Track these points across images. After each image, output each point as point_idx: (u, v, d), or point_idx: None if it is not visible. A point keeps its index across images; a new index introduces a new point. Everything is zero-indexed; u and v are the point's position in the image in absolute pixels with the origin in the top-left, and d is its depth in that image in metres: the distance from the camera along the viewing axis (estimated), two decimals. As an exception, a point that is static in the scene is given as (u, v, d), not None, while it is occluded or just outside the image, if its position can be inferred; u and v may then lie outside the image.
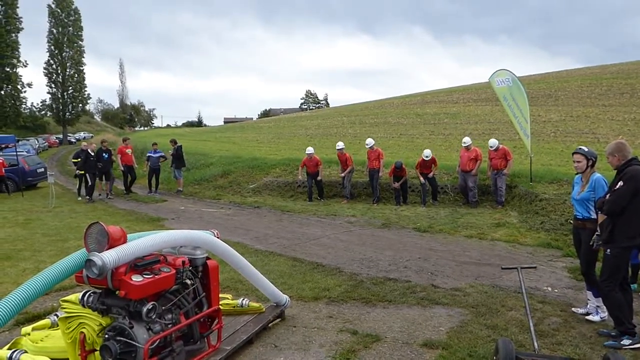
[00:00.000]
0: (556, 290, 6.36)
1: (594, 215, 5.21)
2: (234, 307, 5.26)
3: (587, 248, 5.22)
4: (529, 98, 14.20)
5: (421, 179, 13.17)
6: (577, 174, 5.54)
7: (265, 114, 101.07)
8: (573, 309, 5.59)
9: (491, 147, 12.57)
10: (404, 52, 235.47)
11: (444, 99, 38.71)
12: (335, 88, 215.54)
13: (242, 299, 5.36)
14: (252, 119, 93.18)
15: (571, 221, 9.31)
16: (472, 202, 12.82)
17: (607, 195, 4.83)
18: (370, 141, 14.03)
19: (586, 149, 5.39)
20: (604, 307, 5.27)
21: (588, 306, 5.46)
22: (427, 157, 13.12)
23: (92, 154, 16.33)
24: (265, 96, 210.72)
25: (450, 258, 7.93)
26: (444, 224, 10.65)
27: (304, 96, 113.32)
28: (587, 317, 5.35)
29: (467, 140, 13.17)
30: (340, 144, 14.65)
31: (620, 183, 4.69)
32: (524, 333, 4.84)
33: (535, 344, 4.16)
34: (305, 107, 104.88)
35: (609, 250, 4.80)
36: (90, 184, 16.24)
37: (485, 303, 5.80)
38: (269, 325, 5.13)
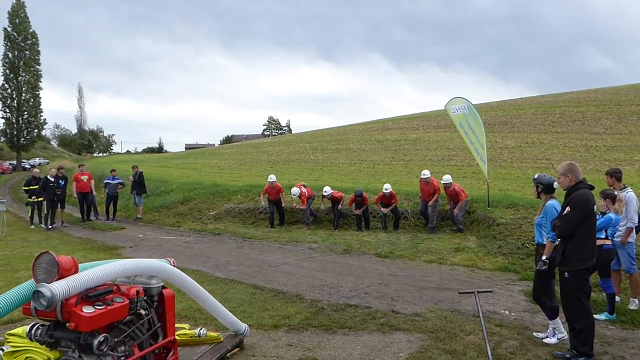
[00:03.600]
0: (513, 314, 6.47)
1: (545, 241, 5.37)
2: (191, 337, 5.13)
3: (536, 272, 5.38)
4: (486, 125, 14.64)
5: (382, 210, 13.33)
6: (537, 198, 5.70)
7: (228, 140, 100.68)
8: (534, 333, 5.68)
9: (444, 182, 12.84)
10: (365, 79, 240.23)
11: (404, 126, 39.45)
12: (298, 114, 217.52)
13: (199, 328, 5.24)
14: (214, 145, 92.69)
15: (527, 245, 9.61)
16: (430, 228, 12.93)
17: (558, 219, 4.98)
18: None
19: (536, 176, 5.58)
20: (560, 329, 5.39)
21: (549, 329, 5.56)
22: (386, 190, 13.19)
23: (52, 179, 15.88)
24: (228, 122, 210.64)
25: (411, 283, 7.99)
26: (405, 249, 10.74)
27: (267, 122, 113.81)
28: (543, 340, 5.44)
29: (426, 173, 13.23)
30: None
31: (568, 208, 4.84)
32: (482, 357, 4.89)
33: (493, 368, 4.21)
34: (268, 133, 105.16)
35: (566, 273, 4.91)
36: (48, 211, 15.75)
37: (445, 328, 5.84)
38: (227, 355, 5.02)
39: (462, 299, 6.97)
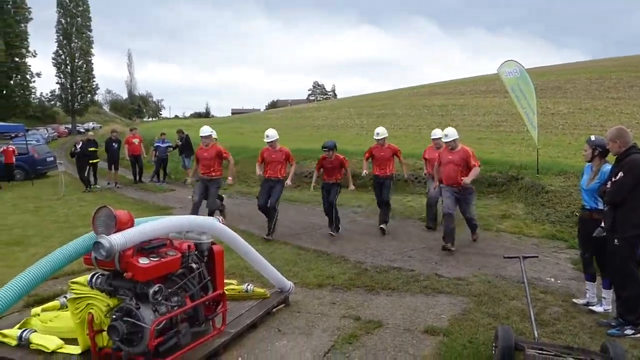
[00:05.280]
0: (559, 281, 6.39)
1: (601, 206, 5.21)
2: (239, 292, 5.34)
3: (592, 239, 5.24)
4: (537, 90, 14.15)
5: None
6: (587, 162, 5.52)
7: (273, 105, 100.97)
8: (574, 299, 5.62)
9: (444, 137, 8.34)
10: (410, 43, 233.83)
11: (451, 91, 38.55)
12: (343, 79, 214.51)
13: (247, 284, 5.45)
14: (259, 110, 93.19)
15: (577, 213, 9.37)
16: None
17: (608, 184, 4.84)
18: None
19: (593, 138, 5.39)
20: (608, 299, 5.30)
21: (587, 296, 5.49)
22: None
23: (78, 147, 16.53)
24: (273, 88, 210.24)
25: (456, 248, 7.96)
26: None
27: (312, 87, 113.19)
28: (590, 307, 5.37)
29: (437, 132, 9.78)
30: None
31: (621, 174, 4.69)
32: (525, 322, 4.89)
33: (535, 332, 4.21)
34: (313, 98, 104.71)
35: (615, 240, 4.80)
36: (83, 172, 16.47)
37: (488, 292, 5.85)
38: (273, 310, 5.22)
39: (507, 265, 6.92)
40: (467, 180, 7.80)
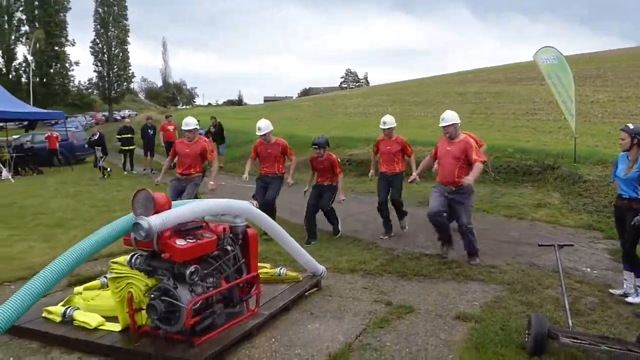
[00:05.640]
0: (595, 272, 6.29)
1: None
2: (272, 275, 5.43)
3: (631, 228, 5.13)
4: (576, 78, 13.77)
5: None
6: (623, 151, 5.40)
7: (305, 92, 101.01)
8: (610, 290, 5.52)
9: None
10: (445, 30, 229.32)
11: (486, 78, 37.85)
12: (375, 67, 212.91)
13: (279, 268, 5.54)
14: (291, 97, 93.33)
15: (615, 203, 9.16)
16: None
17: None
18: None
19: (632, 126, 5.26)
20: None
21: (625, 287, 5.38)
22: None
23: (95, 137, 17.34)
24: (305, 75, 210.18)
25: (488, 236, 7.89)
26: (483, 202, 10.55)
27: (344, 75, 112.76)
28: (626, 299, 5.28)
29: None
30: None
31: None
32: (559, 311, 4.82)
33: (570, 321, 4.17)
34: (345, 86, 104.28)
35: None
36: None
37: (522, 280, 5.79)
38: (306, 294, 5.29)
39: (542, 253, 6.82)
40: (468, 180, 6.13)
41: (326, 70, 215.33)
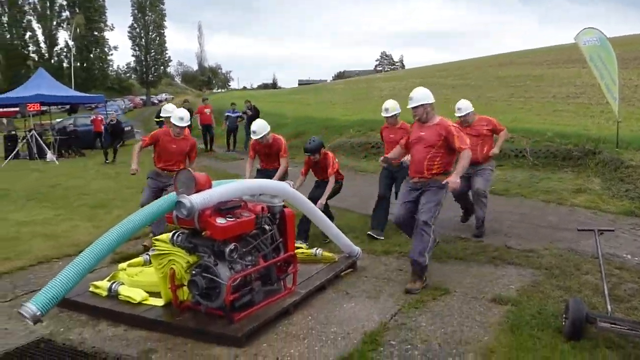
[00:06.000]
0: (636, 258, 6.14)
1: None
2: (309, 255, 5.52)
3: None
4: (620, 60, 13.31)
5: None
6: None
7: (340, 76, 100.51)
8: None
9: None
10: (483, 11, 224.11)
11: (526, 61, 36.91)
12: (411, 50, 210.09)
13: (315, 249, 5.62)
14: (326, 81, 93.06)
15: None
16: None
17: None
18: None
19: None
20: None
21: None
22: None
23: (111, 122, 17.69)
24: (340, 58, 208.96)
25: (526, 221, 7.80)
26: (521, 187, 10.40)
27: (379, 58, 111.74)
28: None
29: (462, 106, 7.16)
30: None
31: None
32: (597, 296, 4.76)
33: (609, 306, 4.11)
34: (380, 69, 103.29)
35: None
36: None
37: (560, 265, 5.72)
38: (341, 274, 5.36)
39: (581, 239, 6.70)
40: (451, 180, 4.83)
41: (361, 53, 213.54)
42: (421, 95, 5.22)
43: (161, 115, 7.12)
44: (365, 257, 5.95)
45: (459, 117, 6.97)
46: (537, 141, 13.24)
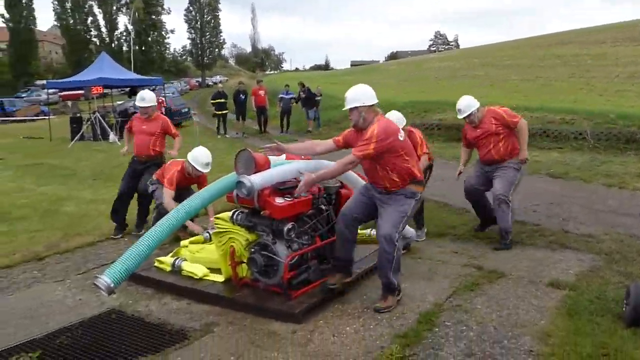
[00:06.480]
0: (701, 244, 5.90)
1: None
2: (363, 236, 5.58)
3: None
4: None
5: None
6: None
7: (392, 56, 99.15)
8: None
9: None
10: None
11: (587, 39, 35.28)
12: (466, 29, 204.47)
13: (370, 229, 5.67)
14: (378, 61, 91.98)
15: None
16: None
17: None
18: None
19: None
20: None
21: None
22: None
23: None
24: (393, 39, 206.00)
25: (585, 205, 7.58)
26: (581, 170, 10.09)
27: (433, 38, 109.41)
28: None
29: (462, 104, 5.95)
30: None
31: None
32: (662, 283, 4.63)
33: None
34: (434, 49, 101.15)
35: None
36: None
37: (620, 251, 5.56)
38: (395, 255, 5.40)
39: (643, 224, 6.49)
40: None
41: (414, 33, 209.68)
42: (354, 95, 4.24)
43: (137, 104, 6.82)
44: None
45: (462, 119, 5.96)
46: (598, 123, 12.78)
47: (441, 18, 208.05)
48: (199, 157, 6.02)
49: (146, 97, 6.72)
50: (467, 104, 5.81)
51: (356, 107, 4.15)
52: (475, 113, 5.78)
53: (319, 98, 18.99)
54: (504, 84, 23.03)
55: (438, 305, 4.22)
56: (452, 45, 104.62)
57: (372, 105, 4.17)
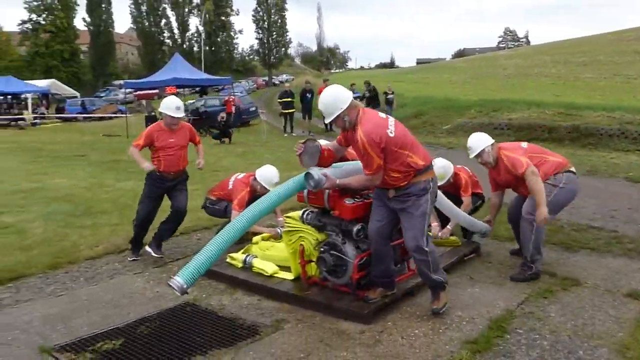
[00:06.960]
0: None
1: None
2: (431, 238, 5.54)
3: None
4: None
5: None
6: None
7: (459, 54, 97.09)
8: None
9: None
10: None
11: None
12: (538, 25, 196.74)
13: (439, 232, 5.62)
14: (445, 59, 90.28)
15: None
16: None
17: None
18: None
19: None
20: None
21: None
22: None
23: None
24: (460, 36, 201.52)
25: (668, 213, 7.18)
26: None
27: (502, 34, 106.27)
28: None
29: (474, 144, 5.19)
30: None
31: None
32: None
33: None
34: (503, 45, 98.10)
35: None
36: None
37: None
38: (465, 258, 5.34)
39: None
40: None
41: (482, 29, 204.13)
42: (327, 107, 3.98)
43: (171, 114, 5.56)
44: (489, 242, 5.86)
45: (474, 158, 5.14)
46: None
47: (511, 13, 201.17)
48: (271, 177, 5.85)
49: (181, 106, 5.77)
50: (478, 140, 5.07)
51: (337, 116, 3.93)
52: (488, 151, 4.95)
53: (391, 96, 19.00)
54: (578, 82, 22.07)
55: (509, 311, 4.14)
56: (522, 41, 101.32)
57: (349, 104, 3.91)
